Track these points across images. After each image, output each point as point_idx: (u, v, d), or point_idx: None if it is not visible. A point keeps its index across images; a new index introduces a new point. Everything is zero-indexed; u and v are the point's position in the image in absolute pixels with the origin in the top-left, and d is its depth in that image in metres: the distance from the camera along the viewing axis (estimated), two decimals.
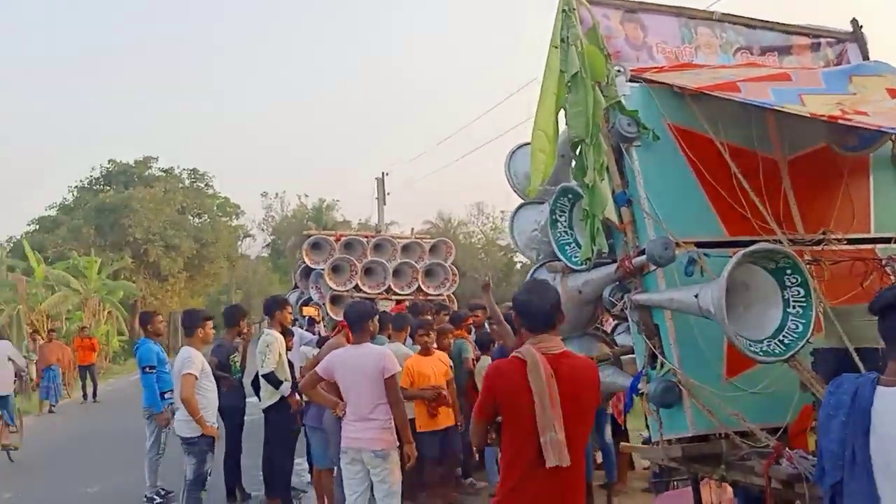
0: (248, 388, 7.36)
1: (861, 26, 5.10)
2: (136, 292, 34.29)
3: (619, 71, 4.16)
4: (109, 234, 35.32)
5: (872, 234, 4.34)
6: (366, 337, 5.09)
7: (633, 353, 4.39)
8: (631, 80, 4.20)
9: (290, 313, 7.76)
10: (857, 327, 3.16)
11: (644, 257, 3.75)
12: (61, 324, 25.01)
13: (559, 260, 4.54)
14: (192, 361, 5.80)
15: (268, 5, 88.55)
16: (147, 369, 7.43)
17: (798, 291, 3.29)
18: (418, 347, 6.86)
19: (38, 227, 37.65)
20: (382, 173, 24.40)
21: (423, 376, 6.49)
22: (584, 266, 4.30)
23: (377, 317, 5.52)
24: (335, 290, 11.05)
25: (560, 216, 4.47)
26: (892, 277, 3.97)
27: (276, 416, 6.87)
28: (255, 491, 7.37)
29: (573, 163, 4.21)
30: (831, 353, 3.26)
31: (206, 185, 43.58)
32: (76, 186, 39.69)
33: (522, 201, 5.10)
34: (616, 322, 5.28)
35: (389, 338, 7.07)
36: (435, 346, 6.85)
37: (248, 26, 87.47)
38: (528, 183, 4.77)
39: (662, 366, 3.74)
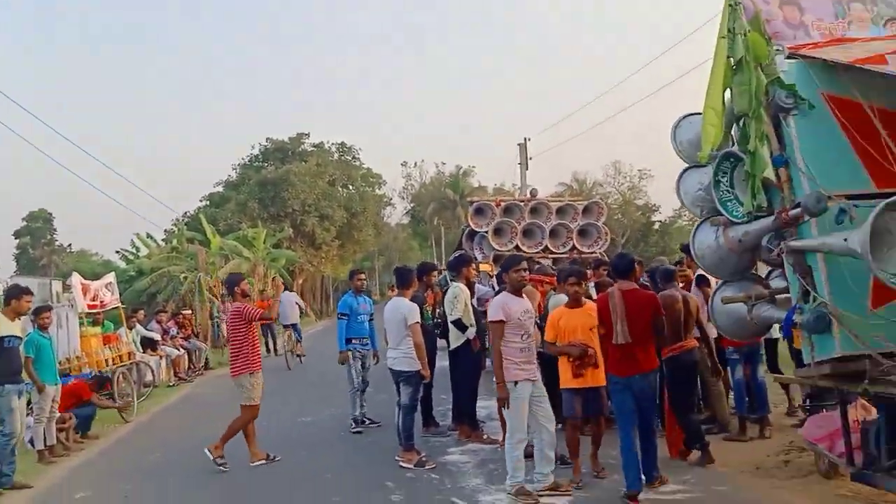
0: None
1: None
2: (296, 259, 37.32)
3: (778, 50, 4.88)
4: (271, 207, 38.46)
5: None
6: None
7: (786, 292, 5.17)
8: (788, 57, 4.91)
9: (475, 270, 8.91)
10: None
11: (799, 209, 4.52)
12: None
13: (721, 215, 5.33)
14: (416, 311, 7.08)
15: None
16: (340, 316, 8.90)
17: None
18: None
19: (209, 202, 41.60)
20: (525, 139, 25.24)
21: (568, 330, 6.14)
22: (743, 219, 5.08)
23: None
24: (497, 251, 12.18)
25: (723, 177, 5.24)
26: None
27: (463, 356, 8.07)
28: (441, 421, 8.67)
29: (734, 132, 5.01)
30: None
31: (353, 157, 46.12)
32: (239, 164, 43.37)
33: (687, 165, 5.89)
34: (770, 269, 5.98)
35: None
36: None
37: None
38: (692, 150, 5.62)
39: (814, 300, 4.51)
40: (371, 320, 9.14)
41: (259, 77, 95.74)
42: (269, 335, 20.44)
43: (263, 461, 7.36)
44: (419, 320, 7.16)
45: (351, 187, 45.49)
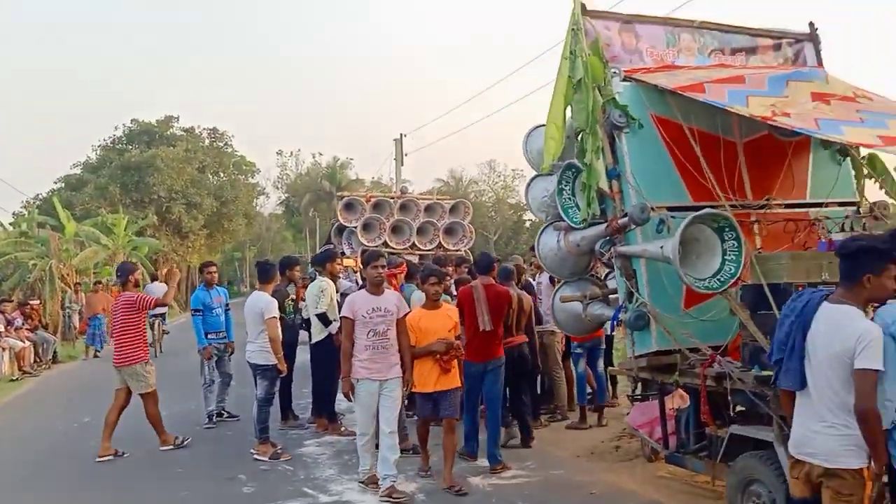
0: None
1: (816, 28, 6.24)
2: (159, 248, 35.73)
3: (614, 73, 5.36)
4: (134, 192, 36.55)
5: (808, 200, 5.55)
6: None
7: (617, 292, 5.67)
8: (624, 80, 5.39)
9: (340, 265, 9.02)
10: (771, 268, 4.39)
11: (627, 219, 5.00)
12: (89, 278, 26.12)
13: (563, 220, 5.76)
14: (273, 306, 7.12)
15: None
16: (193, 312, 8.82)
17: (733, 244, 4.53)
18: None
19: (64, 185, 38.92)
20: (401, 135, 25.44)
21: (428, 332, 5.93)
22: (582, 225, 5.54)
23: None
24: (365, 246, 12.33)
25: (565, 186, 5.68)
26: (819, 233, 5.21)
27: (324, 350, 8.16)
28: (301, 414, 8.74)
29: (576, 146, 5.44)
30: (753, 287, 4.49)
31: (225, 144, 44.64)
32: (100, 146, 40.86)
33: (536, 173, 6.30)
34: (608, 271, 6.52)
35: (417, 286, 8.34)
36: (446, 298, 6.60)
37: None
38: (541, 159, 6.01)
39: (636, 300, 5.01)
40: (228, 311, 9.08)
41: (124, 55, 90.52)
42: None
43: (111, 456, 7.17)
44: (276, 315, 7.21)
45: (222, 175, 44.02)
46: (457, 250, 12.87)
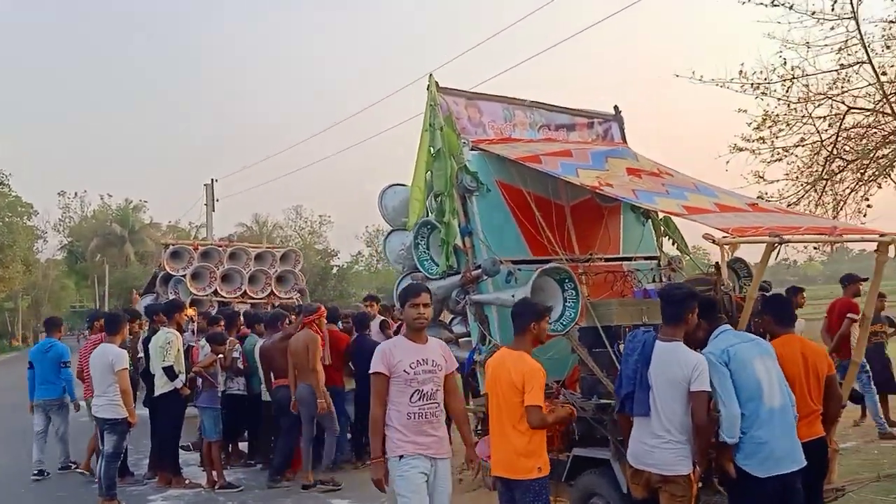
0: None
1: (620, 111, 7.50)
2: None
3: (464, 143, 6.12)
4: None
5: (621, 255, 6.65)
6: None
7: (467, 336, 6.36)
8: (472, 149, 6.18)
9: (186, 315, 8.92)
10: (603, 313, 5.31)
11: (479, 270, 5.72)
12: None
13: (419, 271, 6.38)
14: (124, 357, 6.96)
15: None
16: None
17: (572, 293, 5.40)
18: None
19: None
20: (212, 180, 24.89)
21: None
22: (437, 276, 6.19)
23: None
24: (196, 295, 12.10)
25: (421, 241, 6.30)
26: (632, 282, 6.28)
27: (168, 403, 8.01)
28: (134, 470, 8.46)
29: (433, 206, 6.13)
30: (589, 329, 5.37)
31: (1, 183, 40.46)
32: None
33: (392, 228, 6.89)
34: (453, 316, 7.20)
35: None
36: None
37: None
38: (396, 215, 6.67)
39: (489, 342, 5.72)
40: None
41: None
42: None
43: None
44: (127, 366, 7.08)
45: None
46: (288, 298, 13.01)
